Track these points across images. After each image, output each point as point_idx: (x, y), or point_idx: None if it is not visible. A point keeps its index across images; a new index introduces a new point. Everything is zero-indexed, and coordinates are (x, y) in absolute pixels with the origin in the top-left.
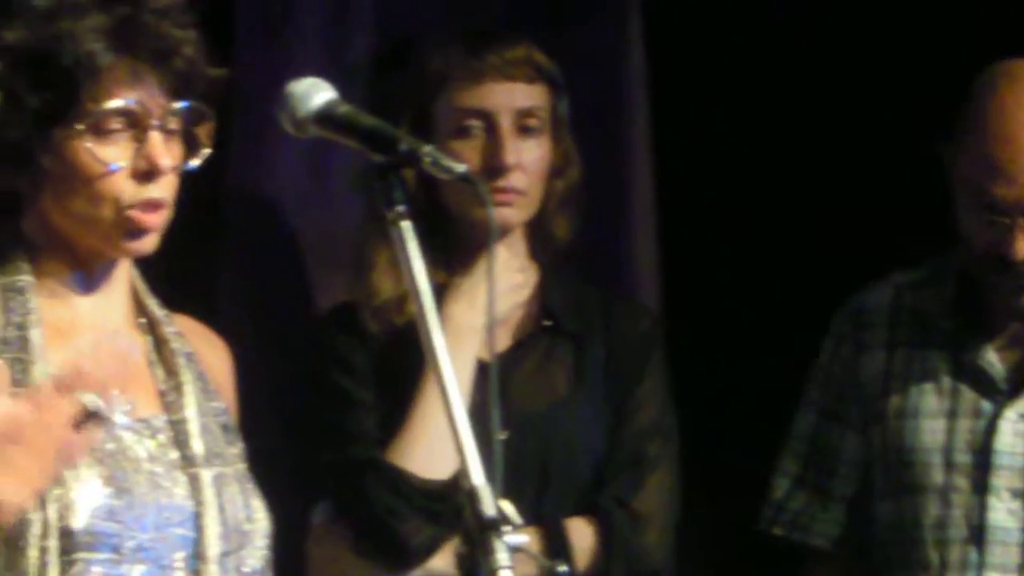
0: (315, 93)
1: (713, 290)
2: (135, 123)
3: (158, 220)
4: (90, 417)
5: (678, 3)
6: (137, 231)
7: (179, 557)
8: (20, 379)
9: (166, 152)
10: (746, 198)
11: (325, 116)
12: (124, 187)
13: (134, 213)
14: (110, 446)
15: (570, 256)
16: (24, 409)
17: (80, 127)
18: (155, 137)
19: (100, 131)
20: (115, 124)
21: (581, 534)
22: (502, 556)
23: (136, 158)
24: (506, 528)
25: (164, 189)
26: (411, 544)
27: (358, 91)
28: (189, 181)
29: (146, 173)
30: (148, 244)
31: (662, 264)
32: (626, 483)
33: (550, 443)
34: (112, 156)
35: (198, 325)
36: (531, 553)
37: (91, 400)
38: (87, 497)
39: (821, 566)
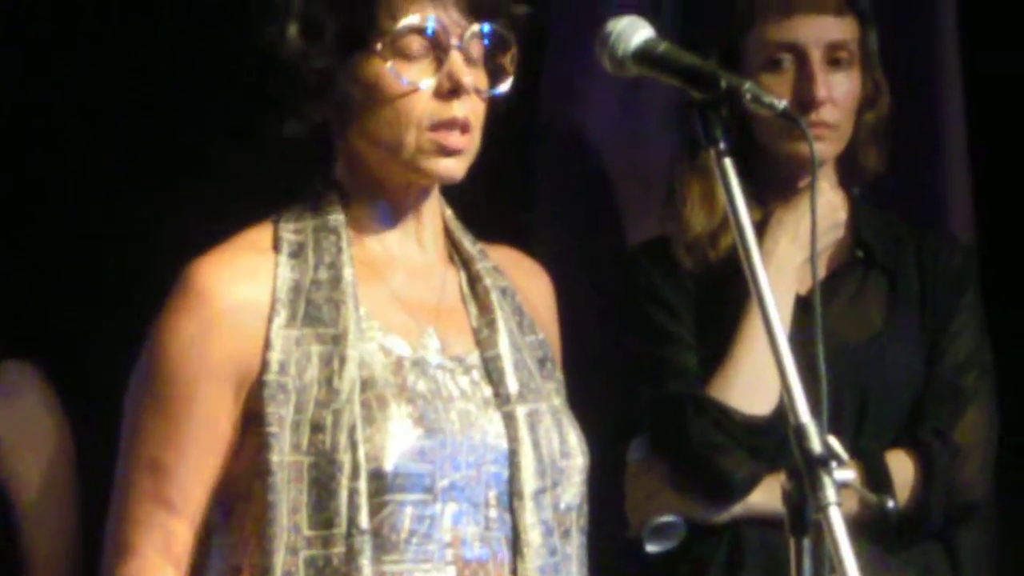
0: (634, 31)
1: None
2: (435, 44)
3: (463, 142)
4: None
5: None
6: (441, 150)
7: (492, 495)
8: (332, 319)
9: (468, 72)
10: None
11: (645, 54)
12: (427, 106)
13: (438, 134)
14: (422, 386)
15: (881, 188)
16: None
17: (379, 48)
18: (456, 56)
19: (401, 53)
20: (415, 47)
21: (900, 466)
22: (830, 492)
23: (439, 77)
24: (834, 464)
25: (468, 109)
26: (733, 479)
27: (667, 26)
28: (501, 118)
29: (449, 91)
30: (454, 167)
31: (975, 197)
32: (944, 415)
33: (867, 376)
34: (414, 75)
35: (518, 255)
36: (859, 489)
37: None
38: (398, 438)
39: None
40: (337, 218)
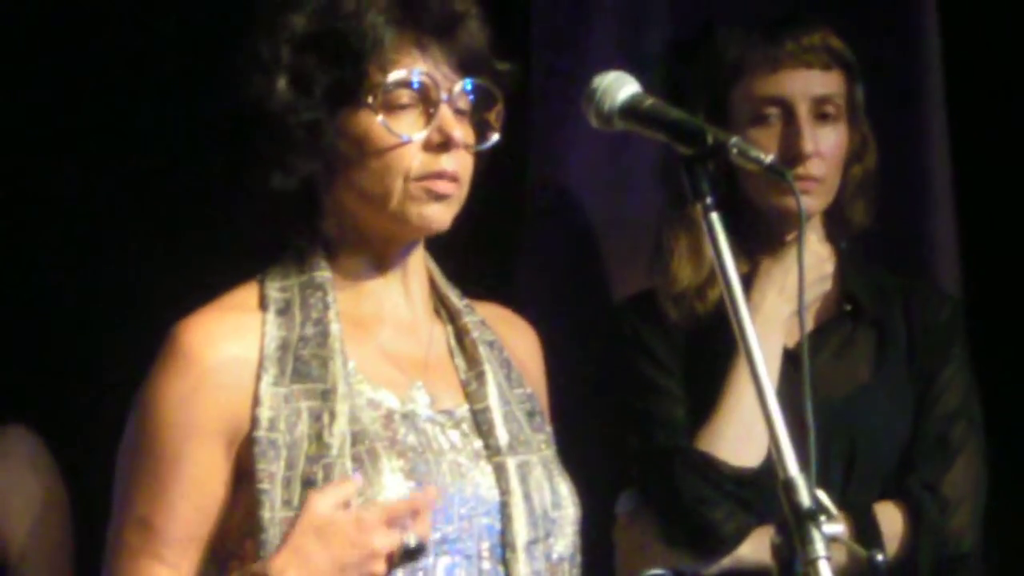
0: (620, 87)
1: (1015, 275)
2: (425, 98)
3: (451, 188)
4: (407, 555)
5: None
6: (429, 194)
7: (485, 547)
8: (320, 375)
9: (458, 126)
10: None
11: (631, 110)
12: (416, 159)
13: (425, 182)
14: (412, 439)
15: (868, 241)
16: (345, 517)
17: (370, 101)
18: (446, 110)
19: (391, 106)
20: (405, 99)
21: (889, 518)
22: (819, 546)
23: (429, 131)
24: (823, 518)
25: (456, 163)
26: (722, 531)
27: (653, 81)
28: (488, 174)
29: (439, 145)
30: (440, 213)
31: (962, 249)
32: (933, 466)
33: (855, 428)
34: (404, 129)
35: (503, 311)
36: (848, 543)
37: (411, 538)
38: (390, 492)
39: None
40: (323, 274)
